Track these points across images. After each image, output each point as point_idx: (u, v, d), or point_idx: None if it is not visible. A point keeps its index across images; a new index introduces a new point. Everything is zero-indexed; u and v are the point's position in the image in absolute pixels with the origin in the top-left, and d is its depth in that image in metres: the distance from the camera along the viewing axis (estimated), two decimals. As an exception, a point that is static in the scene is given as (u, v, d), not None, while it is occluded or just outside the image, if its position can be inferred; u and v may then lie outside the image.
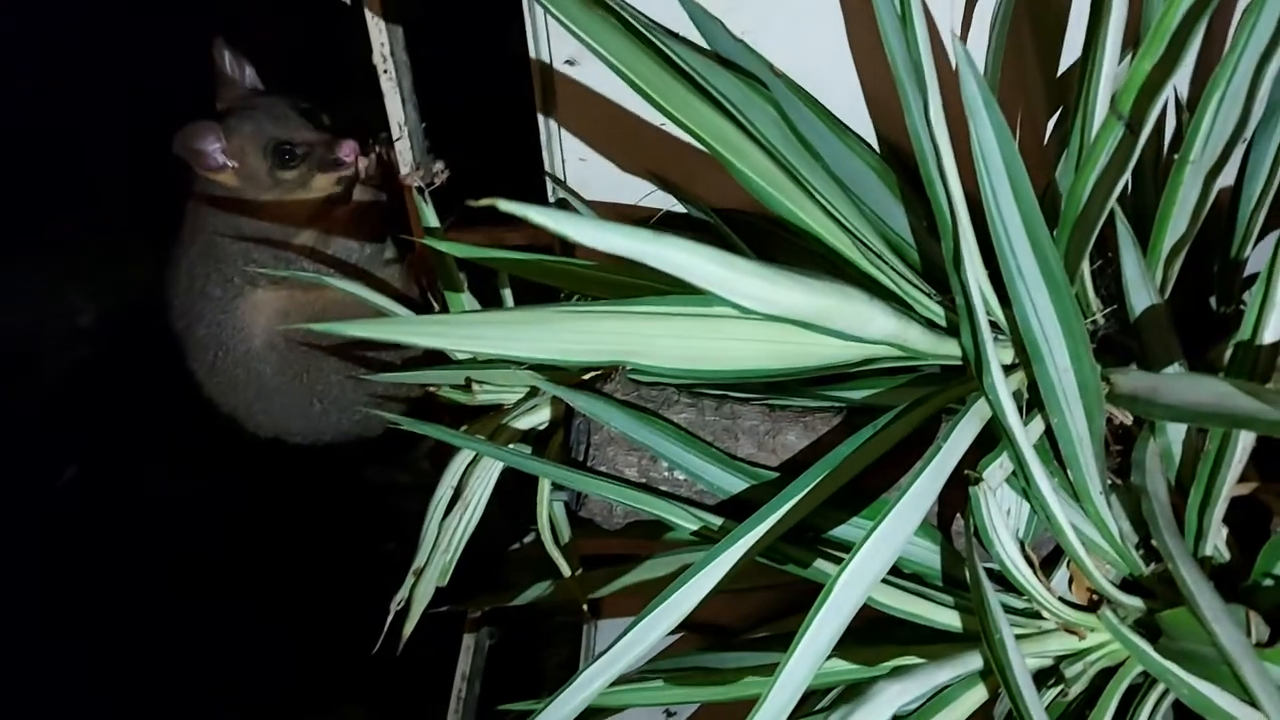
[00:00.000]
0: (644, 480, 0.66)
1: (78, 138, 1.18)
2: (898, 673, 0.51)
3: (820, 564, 0.59)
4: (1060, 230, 0.55)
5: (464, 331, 0.52)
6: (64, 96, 1.20)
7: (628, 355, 0.56)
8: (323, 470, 1.20)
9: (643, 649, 0.56)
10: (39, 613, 1.15)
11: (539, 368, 0.68)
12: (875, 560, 0.50)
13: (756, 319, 0.57)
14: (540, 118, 0.79)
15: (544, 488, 0.72)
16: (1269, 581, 0.51)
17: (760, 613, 0.85)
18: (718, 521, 0.62)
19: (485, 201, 0.36)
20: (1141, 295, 0.56)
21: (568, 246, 0.83)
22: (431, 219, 0.74)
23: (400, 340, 0.50)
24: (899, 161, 0.74)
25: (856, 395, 0.68)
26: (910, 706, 0.51)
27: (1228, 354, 0.54)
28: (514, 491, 0.85)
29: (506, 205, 0.36)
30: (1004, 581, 0.60)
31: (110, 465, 1.24)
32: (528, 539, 0.96)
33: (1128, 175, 0.49)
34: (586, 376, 0.68)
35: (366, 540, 1.15)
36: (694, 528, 0.61)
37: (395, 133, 0.76)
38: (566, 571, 0.72)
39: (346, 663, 1.16)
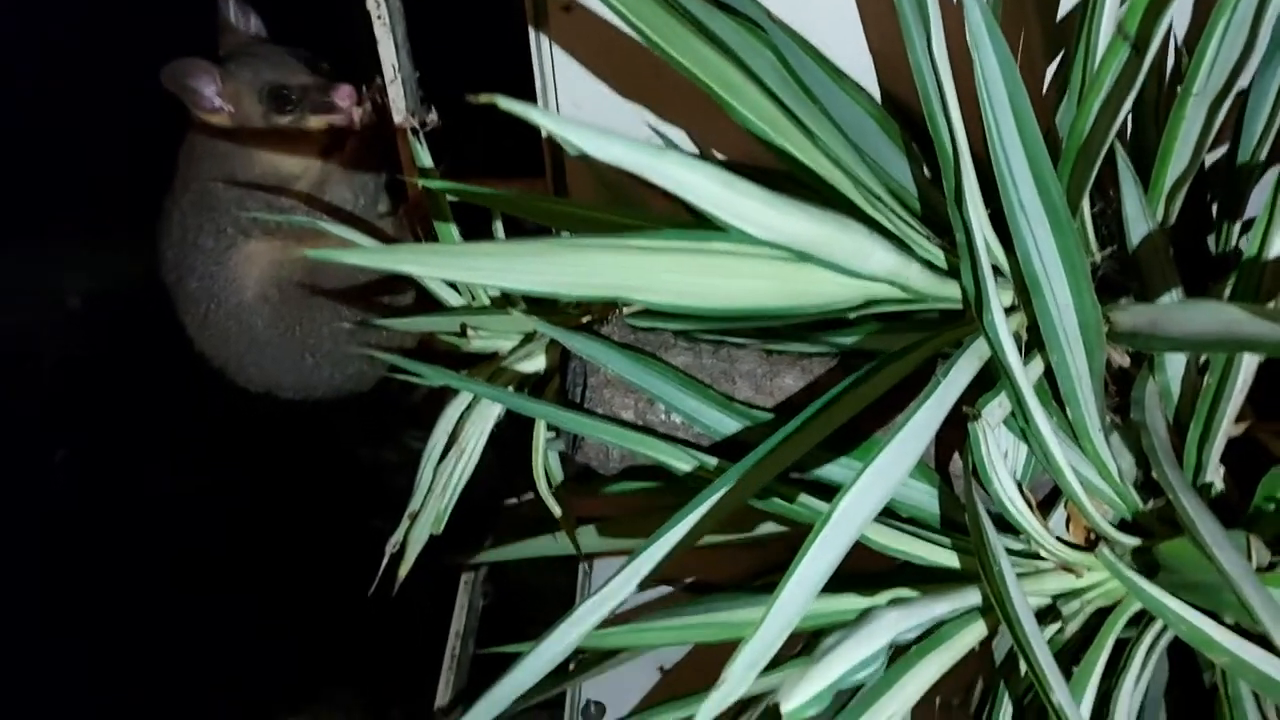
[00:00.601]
0: (641, 423, 0.66)
1: (74, 128, 1.17)
2: (897, 603, 0.50)
3: (816, 504, 0.58)
4: (1062, 163, 0.55)
5: (459, 261, 0.51)
6: (59, 86, 1.19)
7: (625, 290, 0.55)
8: (314, 447, 1.20)
9: (633, 588, 0.55)
10: (32, 598, 1.15)
11: (536, 308, 0.67)
12: (871, 494, 0.50)
13: (755, 255, 0.56)
14: (535, 65, 0.78)
15: (539, 434, 0.72)
16: (1271, 506, 0.51)
17: (758, 570, 0.85)
18: (714, 462, 0.62)
19: (484, 98, 0.35)
20: (1142, 229, 0.56)
21: (560, 188, 0.82)
22: (425, 159, 0.73)
23: (395, 268, 0.49)
24: (900, 113, 0.73)
25: (855, 340, 0.68)
26: (909, 635, 0.50)
27: (1228, 289, 0.54)
28: (511, 448, 0.84)
29: (507, 103, 0.35)
30: (1002, 523, 0.60)
31: (104, 453, 1.24)
32: (525, 496, 0.95)
33: (1130, 104, 0.48)
34: (584, 320, 0.67)
35: (356, 518, 1.15)
36: (689, 468, 0.61)
37: (389, 76, 0.75)
38: (558, 512, 0.72)
39: (340, 633, 1.17)
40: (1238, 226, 0.59)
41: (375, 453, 1.25)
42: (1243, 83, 0.56)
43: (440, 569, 1.02)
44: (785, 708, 0.41)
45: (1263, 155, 0.59)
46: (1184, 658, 0.67)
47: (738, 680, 0.42)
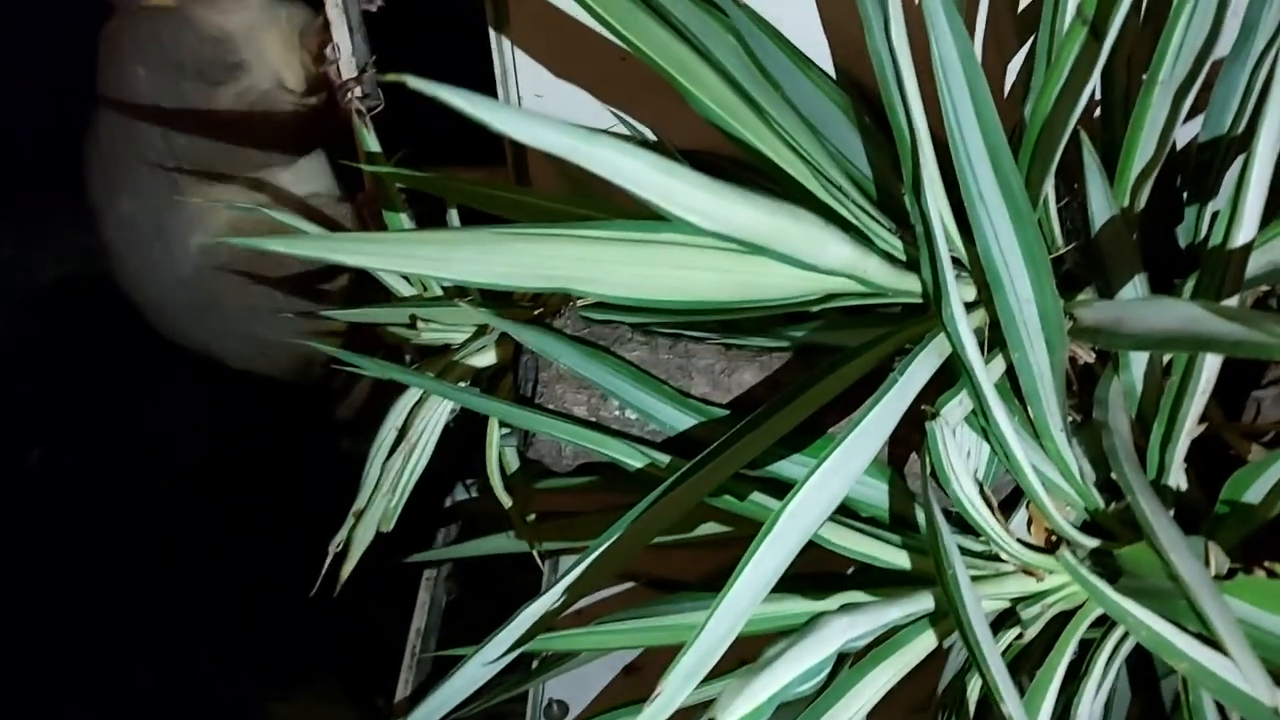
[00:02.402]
0: (594, 419, 0.64)
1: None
2: (847, 609, 0.49)
3: (769, 501, 0.56)
4: (1023, 152, 0.53)
5: (397, 250, 0.49)
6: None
7: (571, 282, 0.53)
8: (288, 435, 1.18)
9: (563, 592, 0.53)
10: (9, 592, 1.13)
11: (489, 300, 0.65)
12: (825, 491, 0.48)
13: (705, 247, 0.54)
14: (495, 54, 0.76)
15: (493, 430, 0.70)
16: (1230, 511, 0.50)
17: (717, 570, 0.83)
18: (667, 459, 0.60)
19: (392, 76, 0.33)
20: (1107, 221, 0.54)
21: (522, 177, 0.80)
22: (373, 144, 0.70)
23: (329, 259, 0.47)
24: (864, 99, 0.71)
25: (815, 336, 0.66)
26: (859, 642, 0.49)
27: (1190, 285, 0.52)
28: (467, 442, 0.82)
29: (416, 83, 0.33)
30: (961, 524, 0.58)
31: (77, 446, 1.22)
32: (475, 493, 0.93)
33: (1090, 89, 0.47)
34: (537, 313, 0.65)
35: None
36: (641, 465, 0.59)
37: (341, 57, 0.73)
38: (508, 504, 0.70)
39: (298, 628, 1.15)
40: (1207, 217, 0.57)
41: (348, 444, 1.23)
42: (1208, 71, 0.54)
43: (403, 567, 1.00)
44: (722, 720, 0.39)
45: (1233, 137, 0.57)
46: (1145, 670, 0.66)
47: (675, 690, 0.40)
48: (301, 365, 0.97)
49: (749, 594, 0.45)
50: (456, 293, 0.71)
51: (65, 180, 1.16)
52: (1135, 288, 0.53)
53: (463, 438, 0.79)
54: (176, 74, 0.85)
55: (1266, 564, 0.45)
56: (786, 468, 0.61)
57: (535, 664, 0.94)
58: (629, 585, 0.91)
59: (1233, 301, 0.47)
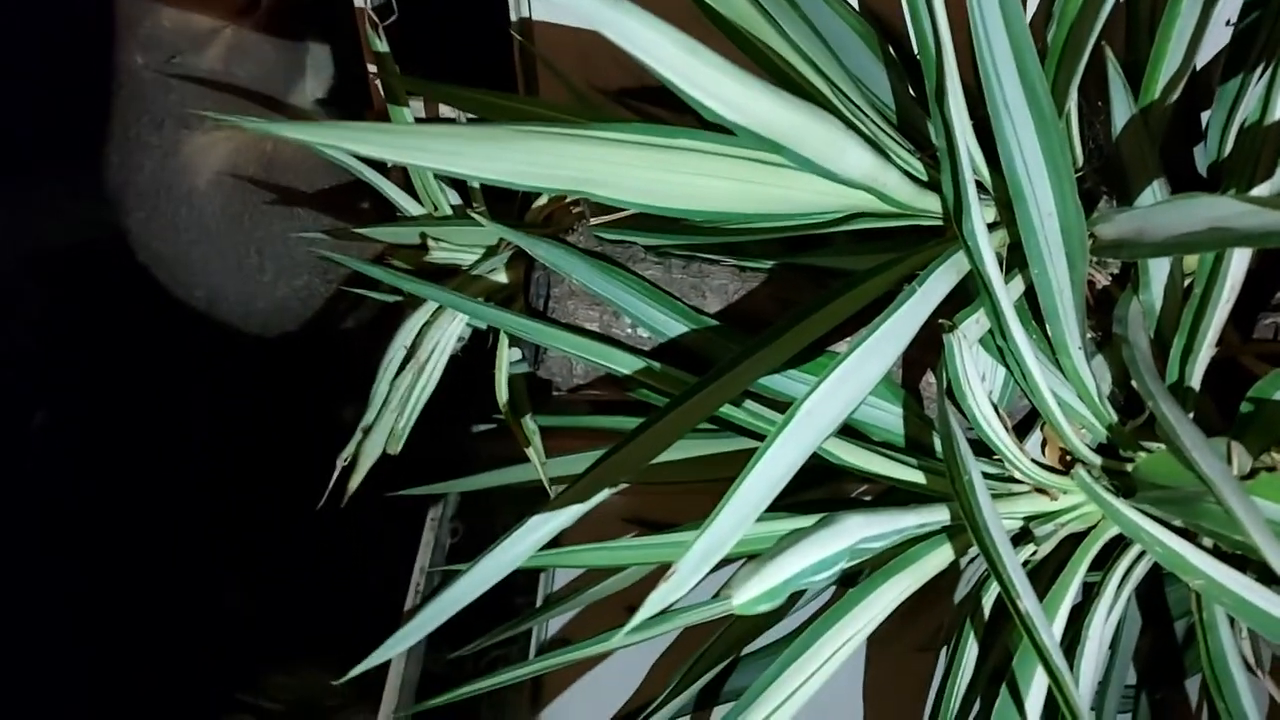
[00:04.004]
0: (606, 336, 0.64)
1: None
2: (864, 510, 0.48)
3: (777, 416, 0.56)
4: (1049, 59, 0.52)
5: (408, 142, 0.48)
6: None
7: (587, 184, 0.52)
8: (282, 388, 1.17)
9: (586, 508, 0.53)
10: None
11: (499, 219, 0.64)
12: (842, 393, 0.48)
13: (724, 155, 0.54)
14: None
15: (503, 353, 0.69)
16: (1256, 410, 0.49)
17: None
18: (676, 374, 0.60)
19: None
20: (1130, 133, 0.53)
21: (530, 88, 0.79)
22: (382, 46, 0.69)
23: (340, 145, 0.46)
24: (885, 30, 0.71)
25: (829, 260, 0.65)
26: (875, 544, 0.48)
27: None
28: (477, 379, 0.82)
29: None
30: (977, 445, 0.58)
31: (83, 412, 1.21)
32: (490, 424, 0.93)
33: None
34: (548, 230, 0.65)
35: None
36: (652, 380, 0.59)
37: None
38: (517, 427, 0.69)
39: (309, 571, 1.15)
40: (1231, 135, 0.56)
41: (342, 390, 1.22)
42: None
43: (408, 511, 1.00)
44: (736, 600, 0.39)
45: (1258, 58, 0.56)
46: (1157, 602, 0.66)
47: (689, 571, 0.40)
48: (323, 296, 0.96)
49: (761, 488, 0.44)
50: (465, 210, 0.70)
51: (73, 143, 1.16)
52: (1154, 193, 0.52)
53: (471, 375, 0.79)
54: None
55: (1290, 456, 0.45)
56: (797, 387, 0.60)
57: (540, 601, 0.94)
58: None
59: (1262, 191, 0.46)
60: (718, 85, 0.44)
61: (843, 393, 0.49)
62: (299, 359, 1.08)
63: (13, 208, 1.24)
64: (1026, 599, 0.43)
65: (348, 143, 0.47)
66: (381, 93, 0.72)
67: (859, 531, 0.46)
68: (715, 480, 0.80)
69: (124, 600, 1.15)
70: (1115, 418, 0.55)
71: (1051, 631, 0.45)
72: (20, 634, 1.10)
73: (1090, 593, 0.57)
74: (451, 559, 1.01)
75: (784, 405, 0.62)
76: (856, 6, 0.74)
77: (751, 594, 0.39)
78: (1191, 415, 0.52)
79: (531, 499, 0.91)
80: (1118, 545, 0.57)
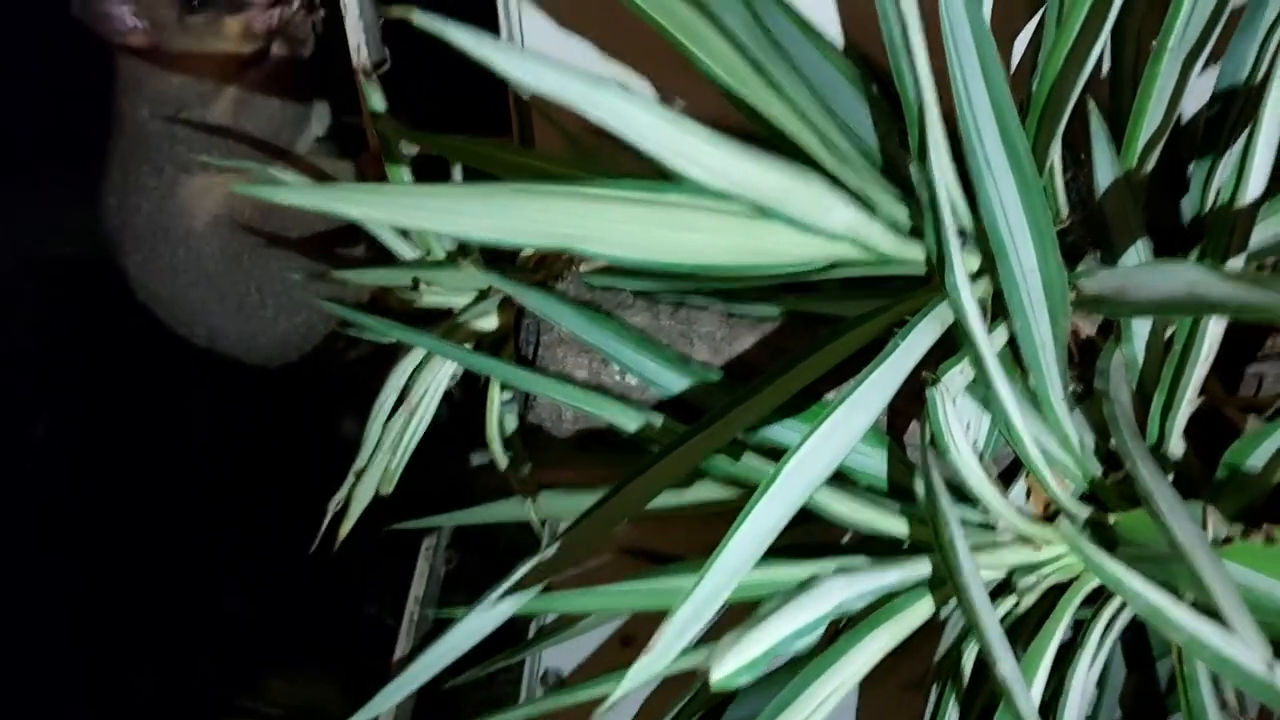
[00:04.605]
0: (594, 383, 0.64)
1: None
2: (845, 570, 0.49)
3: (764, 465, 0.57)
4: (1030, 116, 0.53)
5: (403, 202, 0.48)
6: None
7: (577, 240, 0.53)
8: (280, 417, 1.18)
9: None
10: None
11: (491, 265, 0.65)
12: (826, 449, 0.48)
13: (711, 209, 0.54)
14: (500, 12, 0.76)
15: (494, 394, 0.70)
16: (1230, 477, 0.50)
17: (714, 544, 0.84)
18: (667, 423, 0.60)
19: (398, 12, 0.33)
20: (1112, 189, 0.54)
21: (526, 139, 0.80)
22: (379, 103, 0.70)
23: (333, 209, 0.47)
24: (873, 73, 0.71)
25: (816, 306, 0.66)
26: (856, 604, 0.49)
27: (1194, 255, 0.52)
28: (468, 415, 0.82)
29: (421, 19, 0.33)
30: (960, 494, 0.58)
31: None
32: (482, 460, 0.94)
33: (1099, 49, 0.46)
34: (539, 277, 0.65)
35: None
36: (639, 428, 0.59)
37: (349, 13, 0.72)
38: (504, 464, 0.70)
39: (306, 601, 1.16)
40: (1213, 189, 0.56)
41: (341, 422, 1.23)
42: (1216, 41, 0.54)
43: (405, 537, 1.00)
44: (714, 675, 0.39)
45: (1247, 93, 0.57)
46: (1140, 649, 0.66)
47: (668, 645, 0.40)
48: (321, 332, 0.97)
49: (745, 550, 0.45)
50: (459, 255, 0.71)
51: (74, 155, 1.16)
52: (1138, 253, 0.53)
53: (464, 411, 0.80)
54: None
55: (1266, 526, 0.45)
56: (784, 434, 0.61)
57: (532, 634, 0.94)
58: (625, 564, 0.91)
59: (1237, 264, 0.47)
60: (703, 156, 0.45)
61: (828, 447, 0.50)
62: (299, 386, 1.09)
63: (13, 213, 1.25)
64: (1005, 664, 0.43)
65: (340, 205, 0.48)
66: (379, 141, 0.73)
67: (840, 593, 0.47)
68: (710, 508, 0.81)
69: (124, 604, 1.16)
70: (1098, 470, 0.56)
71: (1030, 697, 0.46)
72: (20, 635, 1.11)
73: (1078, 630, 0.58)
74: (447, 587, 1.01)
75: (771, 452, 0.63)
76: (843, 44, 0.76)
77: (729, 669, 0.39)
78: (1172, 475, 0.53)
79: (526, 527, 0.92)
80: (1101, 594, 0.58)
